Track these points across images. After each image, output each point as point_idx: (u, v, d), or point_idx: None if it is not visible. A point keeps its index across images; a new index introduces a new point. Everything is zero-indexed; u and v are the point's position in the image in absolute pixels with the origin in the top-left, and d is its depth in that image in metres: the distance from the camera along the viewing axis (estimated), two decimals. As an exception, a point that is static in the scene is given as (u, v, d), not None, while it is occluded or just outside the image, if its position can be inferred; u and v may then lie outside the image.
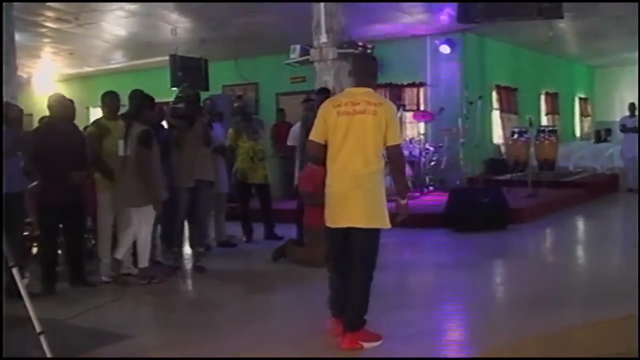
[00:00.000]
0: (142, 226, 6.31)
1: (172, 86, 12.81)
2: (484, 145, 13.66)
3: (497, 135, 15.08)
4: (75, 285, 6.27)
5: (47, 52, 14.93)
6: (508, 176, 12.12)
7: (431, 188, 12.23)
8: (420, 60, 13.62)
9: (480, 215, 9.08)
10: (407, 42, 13.57)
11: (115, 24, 12.32)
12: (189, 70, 13.16)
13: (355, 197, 4.29)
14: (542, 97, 17.53)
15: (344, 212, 4.33)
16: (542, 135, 12.59)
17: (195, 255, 7.25)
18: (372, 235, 4.35)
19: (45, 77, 17.15)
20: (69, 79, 17.62)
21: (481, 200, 9.20)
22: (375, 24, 12.09)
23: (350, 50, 8.24)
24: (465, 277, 6.58)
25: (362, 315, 4.37)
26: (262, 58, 14.66)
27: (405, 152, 12.11)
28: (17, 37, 12.77)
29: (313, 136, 4.46)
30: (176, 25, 12.35)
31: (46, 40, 13.57)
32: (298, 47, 8.87)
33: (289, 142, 8.79)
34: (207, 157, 7.07)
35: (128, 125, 6.29)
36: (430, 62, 13.62)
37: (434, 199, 11.07)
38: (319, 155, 4.47)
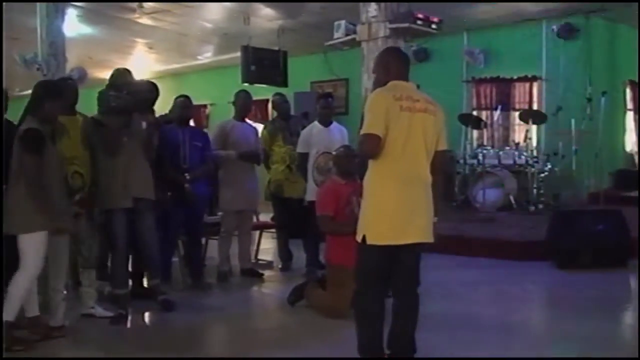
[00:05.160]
0: (25, 261, 4.38)
1: (244, 82, 11.43)
2: (612, 154, 11.21)
3: (631, 142, 12.46)
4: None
5: (127, 47, 14.14)
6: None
7: (540, 206, 10.00)
8: (533, 49, 11.33)
9: (591, 247, 6.91)
10: (517, 27, 11.33)
11: (184, 13, 11.07)
12: (264, 64, 11.68)
13: (424, 208, 3.72)
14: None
15: (412, 225, 3.66)
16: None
17: (153, 289, 5.46)
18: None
19: (139, 75, 16.53)
20: (161, 77, 16.82)
21: (594, 228, 7.01)
22: (477, 4, 10.06)
23: (406, 25, 6.26)
24: (564, 345, 4.62)
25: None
26: (353, 51, 12.94)
27: (509, 161, 10.06)
28: (92, 30, 12.19)
29: (374, 129, 3.56)
30: (249, 13, 11.05)
31: (119, 32, 12.61)
32: (343, 23, 7.01)
33: (300, 149, 6.76)
34: (147, 169, 5.28)
35: (19, 122, 4.59)
36: (546, 52, 11.28)
37: (541, 221, 8.86)
38: (377, 153, 3.60)
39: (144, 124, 5.23)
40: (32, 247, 4.35)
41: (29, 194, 4.33)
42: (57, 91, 4.67)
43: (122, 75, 5.39)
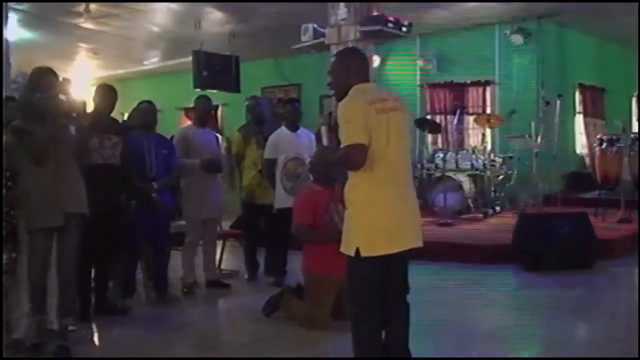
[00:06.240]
0: None
1: (195, 87, 11.16)
2: (565, 156, 11.36)
3: (581, 144, 12.69)
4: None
5: (71, 52, 13.71)
6: (595, 193, 9.82)
7: (497, 209, 10.06)
8: (486, 54, 11.40)
9: (558, 250, 6.94)
10: (471, 32, 11.38)
11: (132, 16, 10.74)
12: (216, 70, 11.45)
13: (414, 211, 3.66)
14: (634, 100, 14.92)
15: (405, 231, 3.56)
16: (638, 144, 10.20)
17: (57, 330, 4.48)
18: None
19: (81, 81, 16.05)
20: (106, 83, 16.34)
21: (560, 230, 7.04)
22: (430, 9, 10.05)
23: (378, 28, 6.16)
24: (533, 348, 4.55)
25: None
26: (306, 56, 12.79)
27: (467, 164, 10.08)
28: (33, 35, 11.73)
29: (359, 138, 3.38)
30: (199, 17, 10.80)
31: (63, 37, 12.20)
32: (310, 26, 6.86)
33: (268, 155, 6.54)
34: (79, 180, 4.64)
35: None
36: (499, 56, 11.37)
37: (501, 224, 8.92)
38: (365, 162, 3.41)
39: (72, 129, 4.62)
40: None
41: None
42: None
43: (45, 75, 4.60)
